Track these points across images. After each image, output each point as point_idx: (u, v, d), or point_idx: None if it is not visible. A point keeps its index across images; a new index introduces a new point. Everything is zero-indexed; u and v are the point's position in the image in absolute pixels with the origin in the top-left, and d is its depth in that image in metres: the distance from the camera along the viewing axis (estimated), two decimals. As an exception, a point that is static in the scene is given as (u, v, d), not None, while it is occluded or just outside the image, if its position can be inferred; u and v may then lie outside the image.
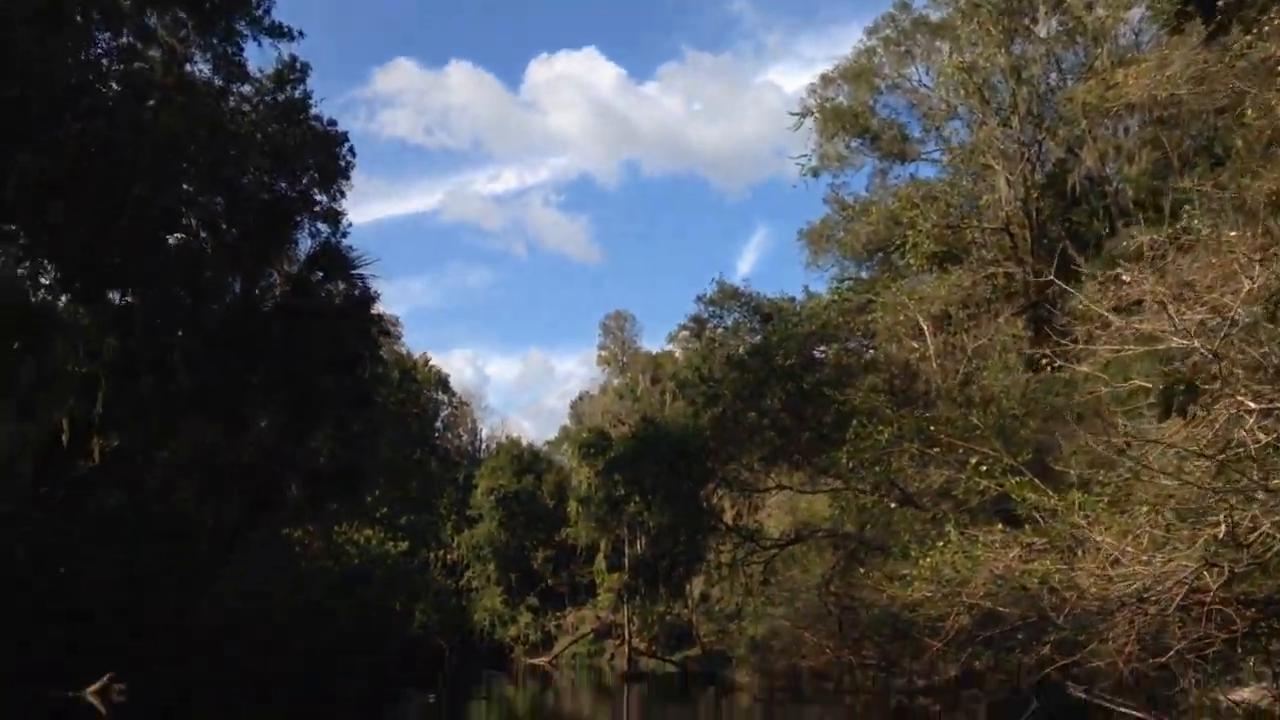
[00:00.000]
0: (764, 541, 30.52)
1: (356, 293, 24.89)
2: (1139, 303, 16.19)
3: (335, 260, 24.26)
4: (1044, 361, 28.32)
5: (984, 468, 15.14)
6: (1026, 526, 14.20)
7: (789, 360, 26.73)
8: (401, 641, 64.53)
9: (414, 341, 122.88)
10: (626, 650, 61.19)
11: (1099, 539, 13.84)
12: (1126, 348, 12.82)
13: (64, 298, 25.68)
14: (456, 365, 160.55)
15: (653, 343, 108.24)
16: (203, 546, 33.46)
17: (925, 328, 25.39)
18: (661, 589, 65.64)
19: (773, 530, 35.25)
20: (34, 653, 29.65)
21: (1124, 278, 13.50)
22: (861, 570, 24.06)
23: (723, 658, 45.83)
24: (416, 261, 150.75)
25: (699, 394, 30.54)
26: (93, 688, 29.62)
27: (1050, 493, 14.19)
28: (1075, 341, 29.64)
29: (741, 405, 28.13)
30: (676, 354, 71.79)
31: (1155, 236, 13.41)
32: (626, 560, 66.92)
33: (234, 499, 31.62)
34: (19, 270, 24.08)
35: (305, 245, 24.74)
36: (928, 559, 14.56)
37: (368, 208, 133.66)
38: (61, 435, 25.11)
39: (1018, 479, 14.64)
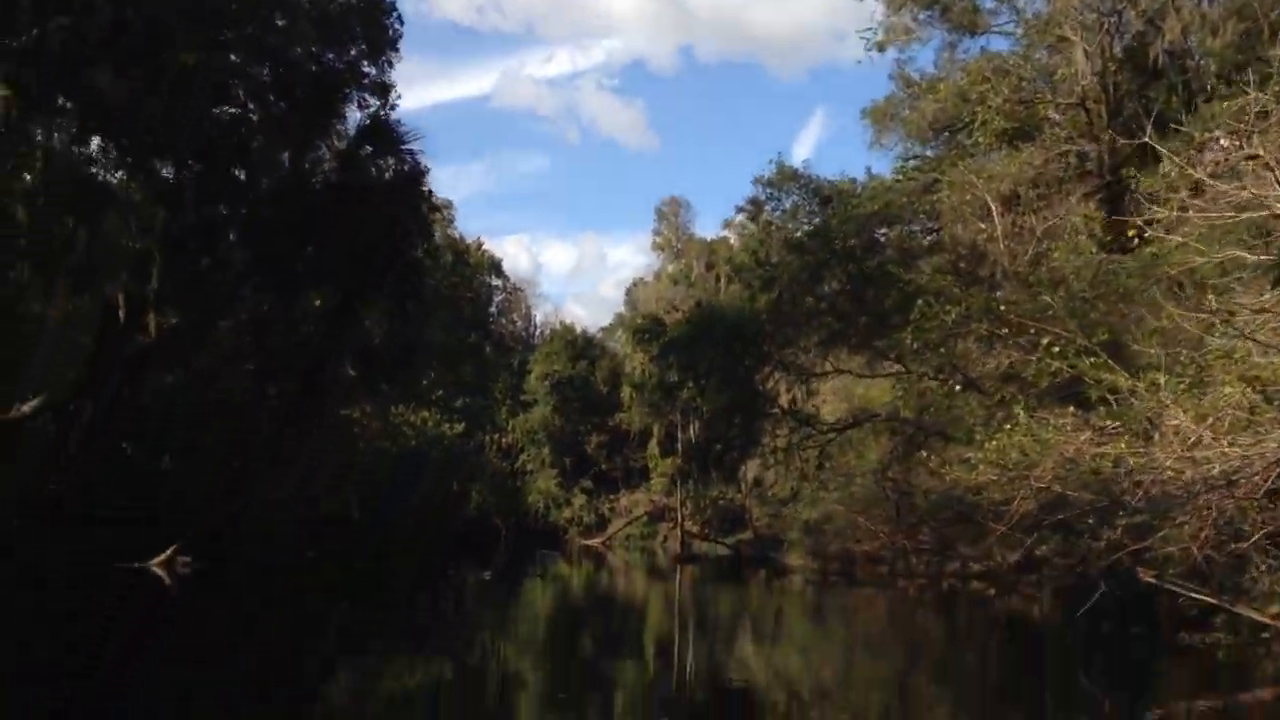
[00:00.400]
0: (820, 426, 30.04)
1: (406, 168, 24.32)
2: (1229, 173, 15.24)
3: (384, 135, 23.66)
4: (1119, 240, 27.32)
5: (1056, 349, 14.45)
6: (1100, 409, 13.59)
7: (850, 242, 25.81)
8: (459, 521, 65.93)
9: (467, 228, 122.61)
10: (679, 533, 61.67)
11: (1177, 422, 13.24)
12: (1225, 215, 11.94)
13: (117, 174, 25.49)
14: (510, 252, 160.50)
15: (708, 229, 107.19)
16: (261, 426, 33.85)
17: (993, 208, 24.33)
18: (714, 474, 65.78)
19: (827, 417, 34.80)
20: (99, 526, 30.42)
21: (1222, 142, 12.54)
22: (922, 455, 23.54)
23: (775, 542, 45.92)
24: (469, 147, 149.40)
25: (755, 278, 29.78)
26: (157, 560, 30.36)
27: (1126, 374, 13.53)
28: (1150, 223, 28.47)
29: (799, 289, 27.37)
30: (732, 240, 70.79)
31: (1260, 94, 12.33)
32: (680, 445, 66.99)
33: (290, 377, 31.78)
34: (72, 146, 23.82)
35: (354, 119, 24.18)
36: (994, 442, 14.00)
37: (419, 91, 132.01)
38: (118, 311, 25.14)
39: (1092, 360, 13.97)
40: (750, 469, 58.31)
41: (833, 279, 27.11)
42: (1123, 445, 12.79)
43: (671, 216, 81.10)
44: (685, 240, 79.55)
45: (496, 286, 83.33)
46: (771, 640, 21.05)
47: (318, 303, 29.37)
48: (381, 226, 23.84)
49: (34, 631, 17.74)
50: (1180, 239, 21.37)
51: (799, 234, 28.37)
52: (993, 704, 14.08)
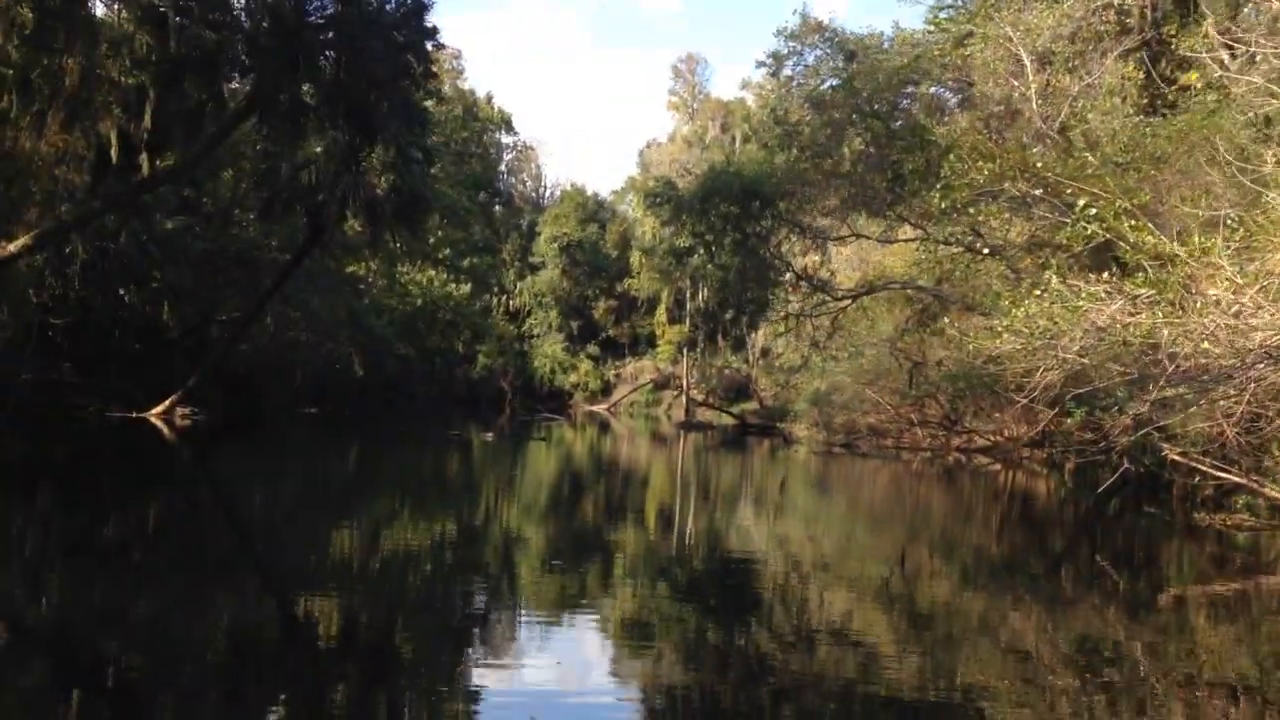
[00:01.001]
0: (835, 292, 29.19)
1: (408, 2, 23.00)
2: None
3: (386, -37, 22.34)
4: (1155, 103, 26.02)
5: (1094, 210, 13.55)
6: (1137, 276, 12.78)
7: (875, 98, 24.47)
8: (465, 381, 65.96)
9: (479, 84, 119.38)
10: (684, 400, 61.61)
11: (1217, 291, 12.46)
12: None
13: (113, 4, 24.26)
14: (520, 109, 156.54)
15: (726, 91, 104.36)
16: (265, 274, 33.21)
17: (1028, 64, 22.98)
18: (721, 342, 65.60)
19: (842, 285, 33.94)
20: (94, 374, 30.07)
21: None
22: (942, 322, 22.77)
23: (781, 412, 45.65)
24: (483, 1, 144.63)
25: (773, 137, 28.52)
26: (156, 410, 30.09)
27: (1165, 239, 12.68)
28: (1184, 89, 27.09)
29: (819, 148, 26.16)
30: (750, 101, 68.83)
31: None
32: (688, 313, 66.59)
33: (294, 221, 30.97)
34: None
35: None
36: (1021, 309, 13.22)
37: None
38: (110, 149, 24.20)
39: (1132, 223, 13.09)
40: (759, 339, 57.93)
41: (855, 138, 25.86)
42: (1159, 314, 12.04)
43: (688, 75, 78.85)
44: (702, 101, 77.44)
45: (507, 145, 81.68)
46: (773, 510, 20.63)
47: (319, 150, 28.34)
48: (383, 63, 22.66)
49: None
50: (1217, 100, 20.21)
51: (821, 89, 26.93)
52: (1000, 579, 13.61)
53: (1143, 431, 14.66)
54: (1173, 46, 27.92)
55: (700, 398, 61.45)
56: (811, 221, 28.76)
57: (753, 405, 57.41)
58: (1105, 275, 12.96)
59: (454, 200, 59.86)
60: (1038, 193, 16.05)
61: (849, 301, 29.39)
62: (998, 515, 21.27)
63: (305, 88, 23.49)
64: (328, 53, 22.71)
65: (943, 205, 18.12)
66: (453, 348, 61.36)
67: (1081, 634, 10.28)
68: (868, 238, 28.46)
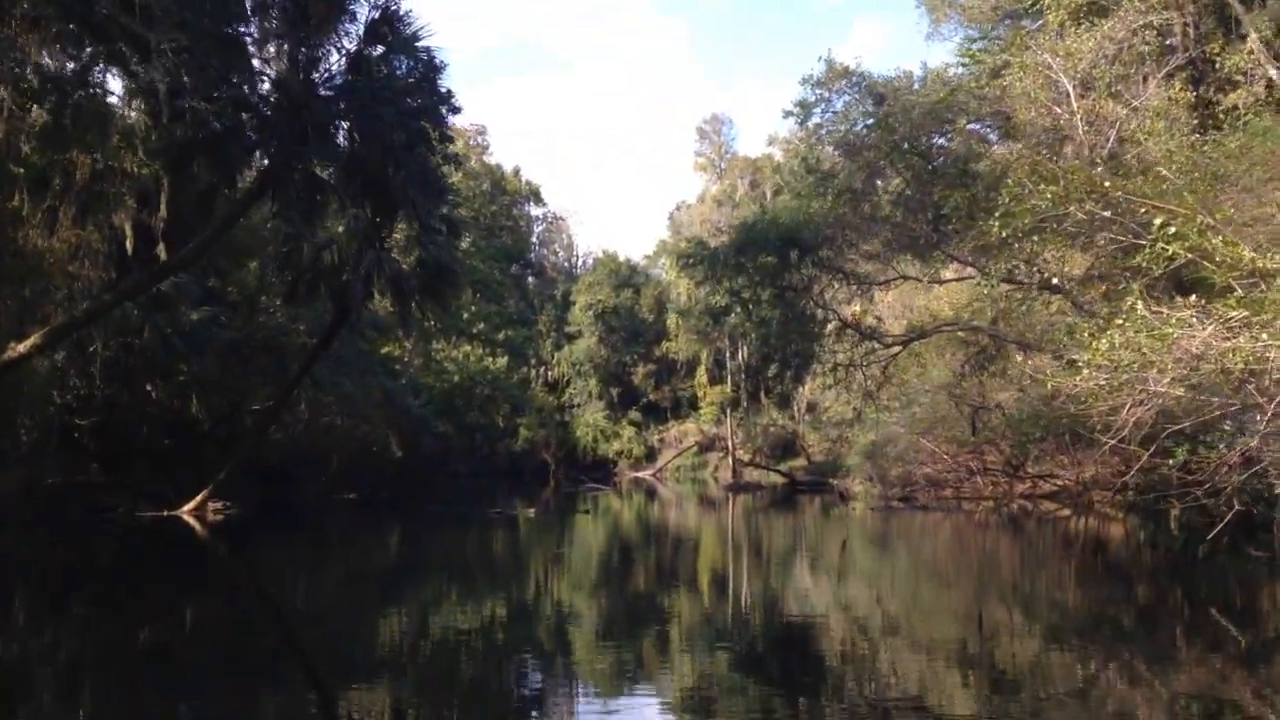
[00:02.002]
0: (884, 339, 27.82)
1: (420, 67, 22.27)
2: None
3: (394, 27, 21.53)
4: (1205, 122, 24.76)
5: (1172, 229, 12.26)
6: (1229, 299, 11.45)
7: (911, 135, 23.27)
8: (507, 456, 64.92)
9: (504, 159, 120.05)
10: (731, 462, 60.12)
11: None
12: None
13: (117, 93, 23.80)
14: (550, 183, 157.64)
15: (752, 150, 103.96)
16: (294, 359, 32.45)
17: (1071, 90, 21.85)
18: (765, 400, 64.22)
19: (890, 331, 32.57)
20: (121, 471, 29.24)
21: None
22: (1016, 360, 21.32)
23: (832, 467, 44.20)
24: (503, 75, 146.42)
25: (806, 186, 27.39)
26: (188, 507, 29.15)
27: (1260, 255, 11.37)
28: (1232, 109, 25.78)
29: (857, 192, 24.99)
30: (777, 156, 68.08)
31: None
32: (728, 373, 65.38)
33: (320, 304, 30.19)
34: (68, 64, 22.07)
35: (362, 15, 21.98)
36: (1103, 340, 11.89)
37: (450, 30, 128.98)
38: (126, 242, 23.58)
39: (1221, 238, 11.80)
40: (804, 394, 56.59)
41: (894, 178, 24.69)
42: (1265, 336, 10.68)
43: (714, 135, 78.33)
44: (729, 160, 76.85)
45: (537, 216, 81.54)
46: (831, 569, 19.78)
47: (340, 229, 27.62)
48: (397, 129, 21.90)
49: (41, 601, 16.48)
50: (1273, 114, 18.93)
51: (855, 131, 25.73)
52: (1089, 635, 12.34)
53: (1256, 468, 13.16)
54: (1216, 65, 26.80)
55: (747, 458, 60.07)
56: (854, 267, 27.47)
57: (801, 462, 55.99)
58: (1192, 299, 11.66)
59: (486, 274, 59.45)
60: (1106, 214, 14.72)
61: (899, 348, 28.01)
62: (1074, 565, 19.78)
63: (319, 162, 22.77)
64: (339, 123, 22.01)
65: (1003, 234, 16.79)
66: (493, 422, 60.47)
67: (1190, 692, 9.09)
68: (915, 279, 27.09)
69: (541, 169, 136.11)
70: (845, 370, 28.36)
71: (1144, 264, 12.89)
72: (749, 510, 38.21)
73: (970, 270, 24.67)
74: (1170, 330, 11.21)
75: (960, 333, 26.98)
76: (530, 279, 78.74)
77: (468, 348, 58.32)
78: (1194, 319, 11.14)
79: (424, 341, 52.11)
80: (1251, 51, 25.83)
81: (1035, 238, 16.93)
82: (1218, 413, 12.23)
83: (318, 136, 21.16)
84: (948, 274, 27.00)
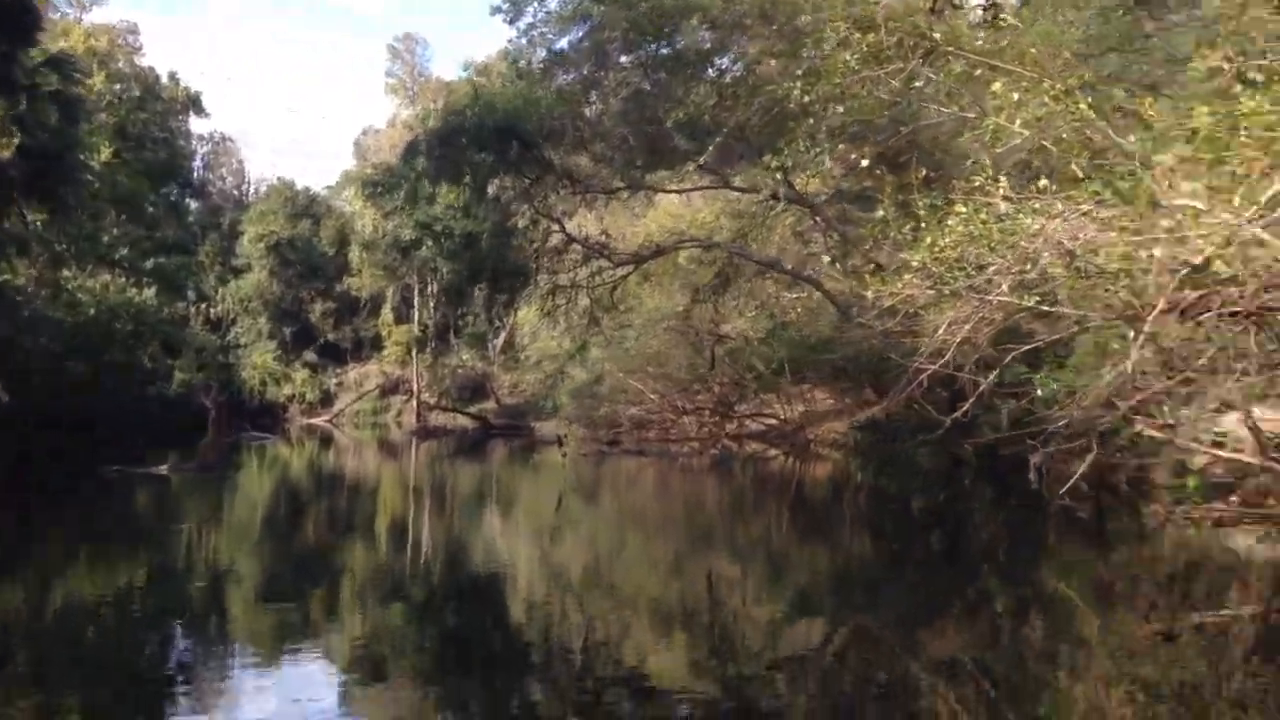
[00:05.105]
0: (615, 256, 24.68)
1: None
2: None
3: None
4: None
5: (1015, 96, 9.81)
6: (1097, 183, 9.12)
7: (654, 14, 19.80)
8: (159, 403, 57.28)
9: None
10: (416, 405, 56.23)
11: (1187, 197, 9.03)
12: None
13: None
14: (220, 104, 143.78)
15: (448, 73, 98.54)
16: None
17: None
18: (455, 340, 60.56)
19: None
20: None
21: None
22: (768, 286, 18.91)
23: (531, 409, 41.54)
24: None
25: (528, 77, 23.44)
26: None
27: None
28: None
29: (589, 79, 21.54)
30: (479, 81, 63.69)
31: None
32: (416, 311, 61.16)
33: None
34: None
35: None
36: (937, 234, 9.22)
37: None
38: None
39: (1083, 104, 9.43)
40: (506, 330, 53.75)
41: (636, 69, 21.33)
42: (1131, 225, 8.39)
43: (407, 55, 72.93)
44: (422, 83, 71.74)
45: (201, 135, 73.14)
46: (525, 519, 18.66)
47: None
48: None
49: None
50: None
51: (584, 4, 21.72)
52: (825, 594, 11.21)
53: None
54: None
55: (434, 401, 56.56)
56: (584, 172, 23.93)
57: (493, 405, 53.23)
58: (1041, 184, 9.25)
59: (132, 191, 51.64)
60: (928, 72, 12.04)
61: (631, 268, 24.99)
62: (792, 511, 18.44)
63: None
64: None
65: (804, 99, 13.88)
66: (137, 363, 52.78)
67: (939, 656, 8.01)
68: (656, 188, 24.09)
69: (208, 83, 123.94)
70: (569, 293, 25.10)
71: (988, 140, 10.29)
72: (435, 457, 35.19)
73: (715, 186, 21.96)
74: (1025, 219, 8.77)
75: (699, 252, 24.41)
76: (191, 203, 70.51)
77: (107, 277, 50.36)
78: (1060, 207, 8.76)
79: (53, 268, 44.09)
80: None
81: (855, 102, 13.94)
82: (1072, 329, 9.98)
83: None
84: (689, 185, 24.26)
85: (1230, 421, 13.05)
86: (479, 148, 22.49)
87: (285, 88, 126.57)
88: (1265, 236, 9.42)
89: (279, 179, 72.33)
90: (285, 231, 65.95)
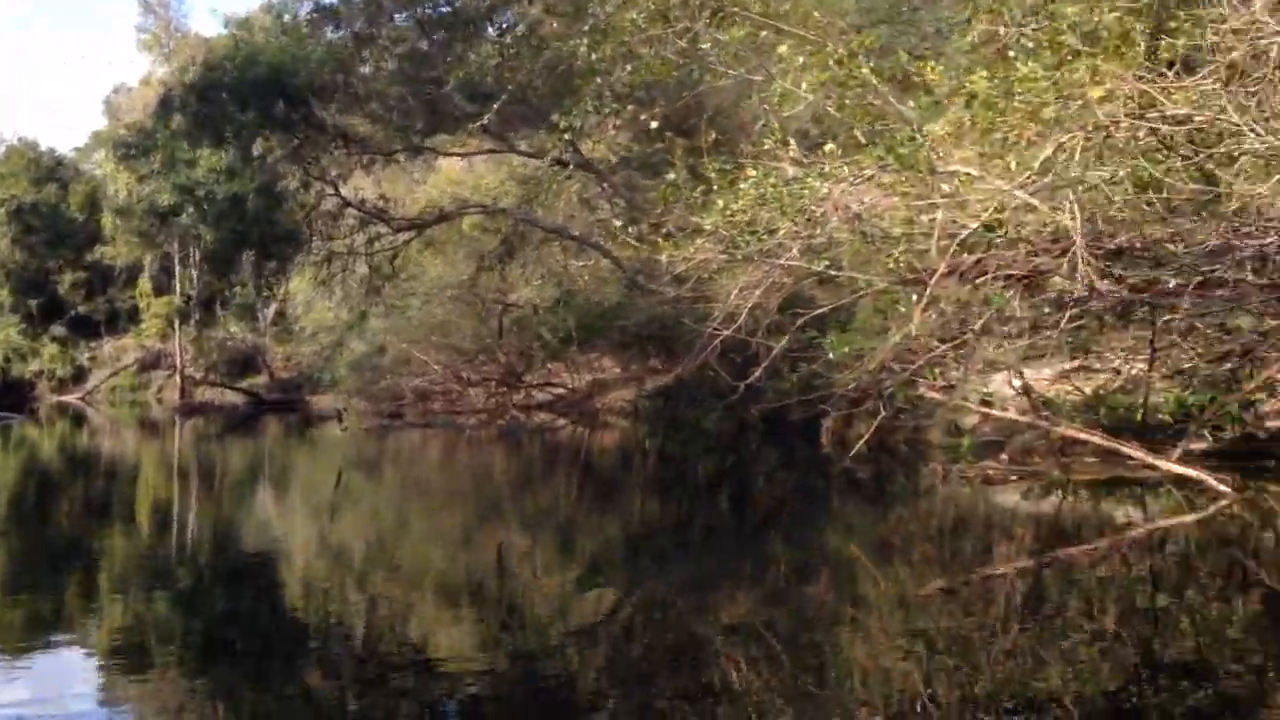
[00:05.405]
0: (395, 222, 23.55)
1: None
2: None
3: None
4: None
5: (800, 60, 9.74)
6: (880, 148, 9.19)
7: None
8: None
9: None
10: (179, 380, 53.11)
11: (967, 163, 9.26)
12: None
13: None
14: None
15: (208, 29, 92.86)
16: None
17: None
18: (221, 311, 57.52)
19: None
20: None
21: None
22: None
23: (307, 383, 39.86)
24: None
25: (294, 31, 22.01)
26: None
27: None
28: None
29: (356, 43, 20.41)
30: (239, 33, 60.13)
31: None
32: (178, 281, 57.58)
33: None
34: None
35: None
36: (730, 197, 9.05)
37: None
38: None
39: (870, 65, 9.47)
40: (276, 300, 51.26)
41: (408, 31, 20.33)
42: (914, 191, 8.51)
43: (160, 9, 68.01)
44: (179, 39, 67.21)
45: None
46: (301, 496, 17.90)
47: None
48: None
49: None
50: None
51: None
52: (619, 563, 11.07)
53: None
54: None
55: (199, 376, 53.60)
56: (361, 133, 22.67)
57: (264, 379, 50.90)
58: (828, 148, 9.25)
59: None
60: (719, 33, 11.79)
61: (413, 234, 23.94)
62: (581, 480, 18.43)
63: None
64: None
65: (592, 57, 13.42)
66: None
67: (731, 622, 7.96)
68: (435, 151, 23.09)
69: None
70: (345, 261, 23.86)
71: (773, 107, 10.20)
72: (202, 435, 33.26)
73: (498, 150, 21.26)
74: (814, 183, 8.73)
75: (484, 219, 23.68)
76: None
77: None
78: (846, 169, 8.77)
79: None
80: None
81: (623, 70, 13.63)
82: (853, 295, 10.08)
83: None
84: (472, 149, 23.43)
85: (999, 381, 13.73)
86: (241, 104, 20.95)
87: (25, 43, 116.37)
88: (1034, 202, 9.79)
89: (20, 139, 66.68)
90: (28, 196, 61.28)
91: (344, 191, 23.75)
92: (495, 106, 18.13)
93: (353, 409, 30.25)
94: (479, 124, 18.38)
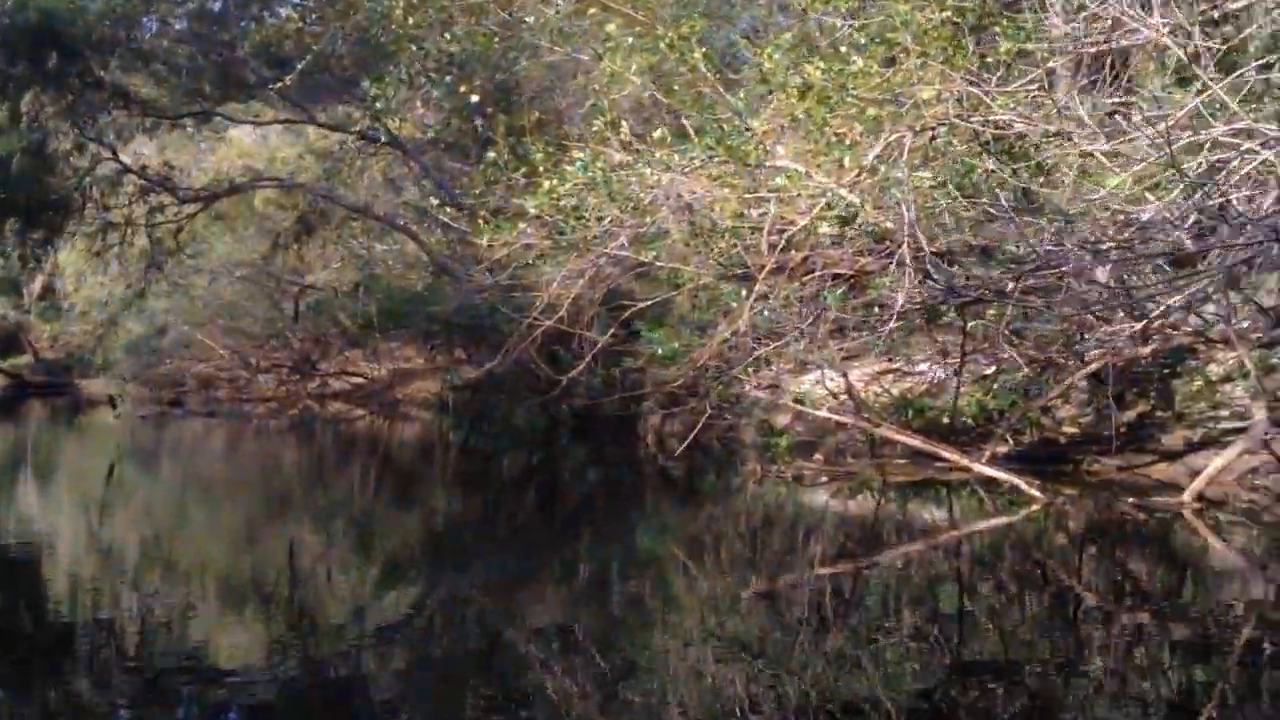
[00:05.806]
0: (181, 193, 21.71)
1: None
2: None
3: None
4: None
5: (630, 40, 9.30)
6: (708, 139, 8.87)
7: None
8: None
9: None
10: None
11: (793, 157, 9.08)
12: None
13: None
14: None
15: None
16: None
17: None
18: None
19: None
20: None
21: None
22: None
23: (77, 364, 37.08)
24: None
25: None
26: None
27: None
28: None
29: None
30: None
31: None
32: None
33: None
34: None
35: None
36: (547, 183, 8.51)
37: None
38: None
39: (702, 50, 9.12)
40: (45, 272, 47.30)
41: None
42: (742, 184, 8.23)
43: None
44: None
45: None
46: (69, 488, 16.52)
47: None
48: None
49: None
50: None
51: None
52: (422, 562, 10.54)
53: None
54: None
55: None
56: (147, 94, 20.74)
57: (27, 359, 47.00)
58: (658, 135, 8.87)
59: None
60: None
61: (200, 206, 22.17)
62: (380, 473, 17.79)
63: None
64: None
65: (408, 21, 12.51)
66: None
67: (541, 624, 7.65)
68: (228, 118, 21.43)
69: None
70: (123, 232, 21.91)
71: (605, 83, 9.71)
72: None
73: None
74: (645, 171, 8.32)
75: (279, 194, 22.28)
76: None
77: None
78: (678, 157, 8.40)
79: None
80: None
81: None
82: (670, 292, 9.73)
83: None
84: (269, 118, 21.92)
85: (809, 381, 13.78)
86: (9, 56, 18.81)
87: None
88: (856, 201, 9.72)
89: None
90: None
91: (124, 156, 21.77)
92: (295, 73, 16.91)
93: (127, 394, 28.17)
94: (276, 88, 17.08)
